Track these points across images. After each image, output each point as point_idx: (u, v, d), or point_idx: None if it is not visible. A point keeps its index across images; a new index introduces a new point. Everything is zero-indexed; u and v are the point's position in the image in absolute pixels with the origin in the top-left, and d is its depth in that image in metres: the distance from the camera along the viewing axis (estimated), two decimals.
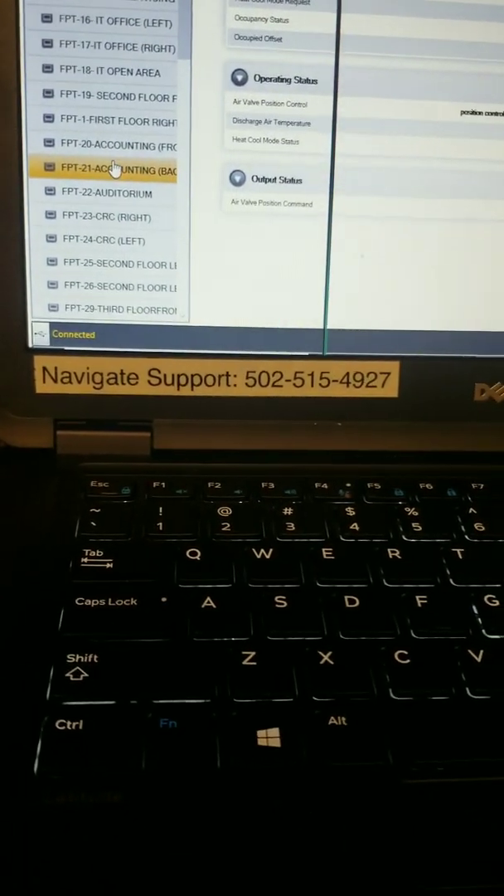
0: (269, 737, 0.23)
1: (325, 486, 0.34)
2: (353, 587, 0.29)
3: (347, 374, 0.35)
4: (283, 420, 0.35)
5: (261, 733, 0.23)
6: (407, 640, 0.27)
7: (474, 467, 0.35)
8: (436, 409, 0.36)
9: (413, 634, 0.27)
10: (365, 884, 0.21)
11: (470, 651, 0.26)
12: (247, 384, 0.35)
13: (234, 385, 0.35)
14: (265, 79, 0.33)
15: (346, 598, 0.28)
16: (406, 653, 0.26)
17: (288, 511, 0.32)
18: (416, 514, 0.33)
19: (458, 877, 0.21)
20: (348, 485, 0.34)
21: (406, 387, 0.36)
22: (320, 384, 0.35)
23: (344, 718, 0.24)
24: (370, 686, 0.25)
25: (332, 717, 0.24)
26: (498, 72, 0.33)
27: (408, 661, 0.26)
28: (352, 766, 0.23)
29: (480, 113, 0.34)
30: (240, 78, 0.33)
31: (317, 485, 0.34)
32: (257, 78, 0.33)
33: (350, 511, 0.32)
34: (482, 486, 0.34)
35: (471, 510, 0.33)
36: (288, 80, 0.33)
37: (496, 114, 0.34)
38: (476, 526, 0.32)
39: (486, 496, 0.34)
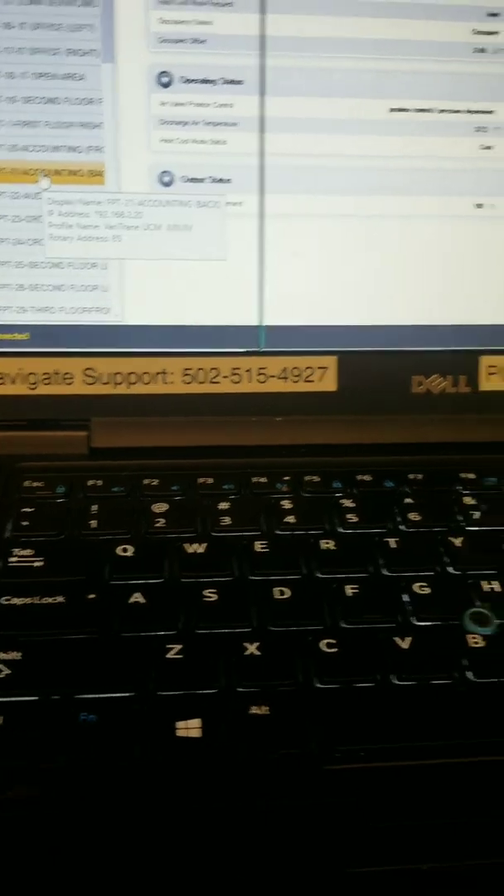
0: (190, 727, 0.24)
1: (263, 480, 0.34)
2: (285, 579, 0.29)
3: (285, 369, 0.36)
4: (221, 416, 0.35)
5: (180, 724, 0.23)
6: (335, 630, 0.27)
7: (413, 458, 0.36)
8: (374, 403, 0.36)
9: (342, 624, 0.27)
10: (290, 870, 0.22)
11: (397, 639, 0.27)
12: (184, 381, 0.35)
13: (171, 382, 0.35)
14: (191, 80, 0.33)
15: (276, 589, 0.28)
16: (333, 642, 0.26)
17: (224, 506, 0.32)
18: (353, 505, 0.33)
19: (383, 858, 0.21)
20: (286, 478, 0.34)
21: (344, 381, 0.36)
22: (258, 380, 0.36)
23: (267, 707, 0.24)
24: (295, 675, 0.25)
25: (254, 707, 0.24)
26: (424, 69, 0.34)
27: (334, 649, 0.26)
28: (272, 753, 0.23)
29: (408, 110, 0.34)
30: (165, 80, 0.33)
31: (255, 479, 0.34)
32: (183, 80, 0.33)
33: (287, 504, 0.33)
34: (420, 476, 0.35)
35: (407, 500, 0.33)
36: (213, 82, 0.33)
37: (424, 110, 0.34)
38: (411, 516, 0.32)
39: (423, 486, 0.34)
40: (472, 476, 0.35)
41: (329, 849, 0.22)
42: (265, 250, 0.35)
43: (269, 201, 0.34)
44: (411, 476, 0.35)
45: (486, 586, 0.29)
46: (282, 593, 0.28)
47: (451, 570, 0.30)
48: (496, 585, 0.29)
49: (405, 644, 0.27)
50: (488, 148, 0.35)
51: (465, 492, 0.34)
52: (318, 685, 0.25)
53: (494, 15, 0.34)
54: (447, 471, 0.35)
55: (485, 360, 0.37)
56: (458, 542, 0.31)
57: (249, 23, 0.33)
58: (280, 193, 0.34)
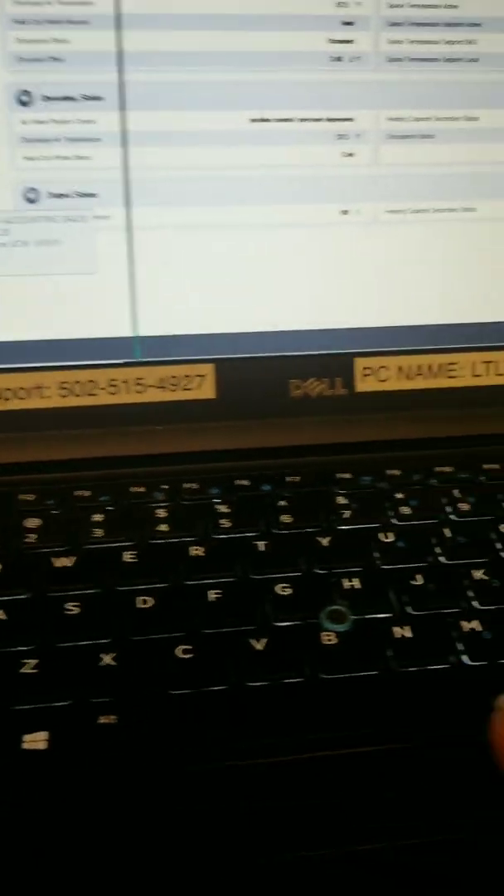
0: (36, 740, 0.24)
1: (140, 489, 0.35)
2: (151, 588, 0.29)
3: (162, 378, 0.36)
4: (100, 428, 0.36)
5: (27, 737, 0.24)
6: (194, 636, 0.28)
7: (293, 461, 0.36)
8: (253, 408, 0.37)
9: (203, 630, 0.28)
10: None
11: (252, 640, 0.27)
12: (60, 395, 0.36)
13: (48, 397, 0.36)
14: (51, 98, 0.33)
15: (139, 599, 0.29)
16: (189, 648, 0.27)
17: (98, 518, 0.33)
18: (228, 510, 0.34)
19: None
20: (164, 487, 0.35)
21: (222, 388, 0.37)
22: (136, 390, 0.36)
23: (115, 717, 0.25)
24: (149, 684, 0.26)
25: (103, 717, 0.25)
26: (283, 79, 0.34)
27: (190, 655, 0.27)
28: (118, 761, 0.23)
29: (269, 120, 0.35)
30: (25, 99, 0.33)
31: (133, 489, 0.35)
32: (43, 98, 0.33)
33: (162, 513, 0.33)
34: (297, 478, 0.36)
35: (281, 503, 0.34)
36: (74, 99, 0.34)
37: (285, 120, 0.35)
38: (283, 518, 0.33)
39: (299, 488, 0.35)
40: (347, 476, 0.36)
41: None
42: (135, 262, 0.35)
43: (136, 214, 0.35)
44: (289, 479, 0.36)
45: (347, 584, 0.30)
46: (144, 602, 0.29)
47: (316, 569, 0.31)
48: (356, 583, 0.30)
49: (260, 646, 0.28)
50: (350, 155, 0.35)
51: (339, 492, 0.35)
52: (172, 692, 0.26)
53: (349, 24, 0.34)
54: (324, 472, 0.36)
55: (359, 362, 0.38)
56: (325, 541, 0.32)
57: (106, 39, 0.33)
58: (146, 206, 0.35)
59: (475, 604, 0.30)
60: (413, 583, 0.30)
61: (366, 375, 0.38)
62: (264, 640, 0.28)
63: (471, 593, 0.30)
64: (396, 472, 0.36)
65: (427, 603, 0.30)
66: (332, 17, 0.34)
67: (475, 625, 0.29)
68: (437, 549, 0.32)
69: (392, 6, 0.34)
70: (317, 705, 0.26)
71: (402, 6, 0.34)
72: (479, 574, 0.31)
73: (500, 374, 0.38)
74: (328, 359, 0.37)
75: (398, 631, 0.28)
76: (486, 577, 0.31)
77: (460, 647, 0.28)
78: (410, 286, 0.37)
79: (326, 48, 0.34)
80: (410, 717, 0.26)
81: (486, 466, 0.37)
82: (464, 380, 0.38)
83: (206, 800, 0.23)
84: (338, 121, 0.35)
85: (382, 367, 0.38)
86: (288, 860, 0.22)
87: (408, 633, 0.28)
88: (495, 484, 0.36)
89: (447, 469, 0.36)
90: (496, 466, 0.37)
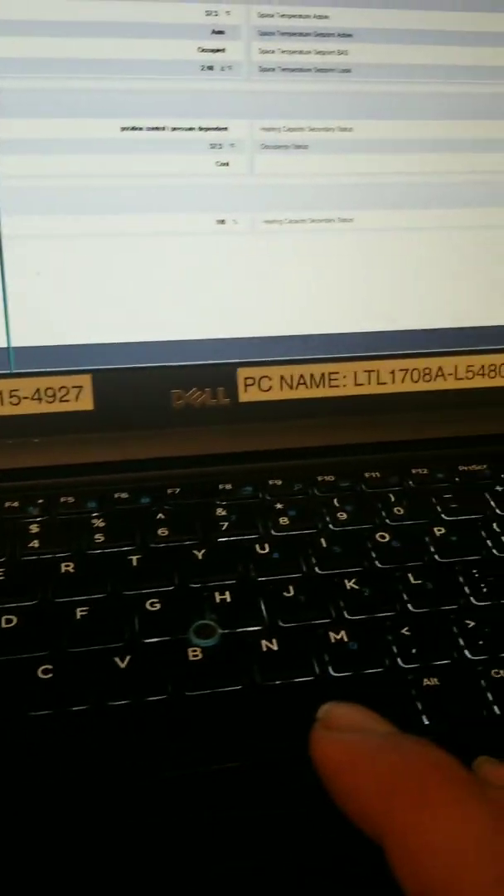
0: None
1: (14, 504, 0.34)
2: (18, 606, 0.29)
3: (38, 390, 0.36)
4: None
5: None
6: (60, 656, 0.27)
7: (175, 472, 0.36)
8: (134, 419, 0.36)
9: (69, 649, 0.27)
10: None
11: (116, 659, 0.27)
12: None
13: None
14: None
15: (4, 618, 0.28)
16: (51, 668, 0.26)
17: None
18: (104, 524, 0.33)
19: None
20: (40, 501, 0.34)
21: (101, 399, 0.36)
22: (10, 402, 0.36)
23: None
24: (10, 705, 0.25)
25: None
26: (154, 87, 0.34)
27: (51, 675, 0.26)
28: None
29: (140, 129, 0.35)
30: None
31: (6, 504, 0.34)
32: None
33: (35, 528, 0.33)
34: (178, 490, 0.35)
35: (159, 516, 0.34)
36: None
37: (156, 129, 0.35)
38: (160, 532, 0.33)
39: (178, 501, 0.35)
40: (229, 487, 0.36)
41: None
42: (6, 272, 0.34)
43: (5, 223, 0.34)
44: (169, 491, 0.35)
45: (219, 597, 0.30)
46: (9, 622, 0.29)
47: (190, 583, 0.31)
48: (228, 596, 0.30)
49: (123, 664, 0.27)
50: (225, 164, 0.35)
51: (219, 503, 0.35)
52: (33, 713, 0.25)
53: (219, 33, 0.34)
54: (206, 483, 0.36)
55: (242, 373, 0.37)
56: (200, 555, 0.32)
57: None
58: (17, 214, 0.34)
59: (345, 614, 0.30)
60: (285, 594, 0.30)
61: (248, 385, 0.38)
62: (129, 658, 0.28)
63: (341, 603, 0.30)
64: (278, 483, 0.36)
65: (297, 614, 0.30)
66: (202, 25, 0.34)
67: (342, 635, 0.29)
68: (312, 560, 0.32)
69: (262, 16, 0.34)
70: (177, 723, 0.25)
71: (272, 16, 0.35)
72: (350, 584, 0.31)
73: (382, 383, 0.39)
74: (210, 369, 0.37)
75: (265, 644, 0.28)
76: (356, 587, 0.31)
77: (326, 658, 0.28)
78: (290, 296, 0.37)
79: (197, 57, 0.34)
80: (270, 731, 0.25)
81: (367, 475, 0.37)
82: (346, 389, 0.38)
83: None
84: (211, 130, 0.35)
85: (265, 376, 0.38)
86: None
87: (274, 646, 0.28)
88: (375, 492, 0.36)
89: (328, 478, 0.37)
90: (376, 475, 0.37)
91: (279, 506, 0.35)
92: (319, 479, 0.37)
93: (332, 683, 0.27)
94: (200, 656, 0.28)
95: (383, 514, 0.35)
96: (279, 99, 0.35)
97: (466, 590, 0.32)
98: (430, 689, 0.28)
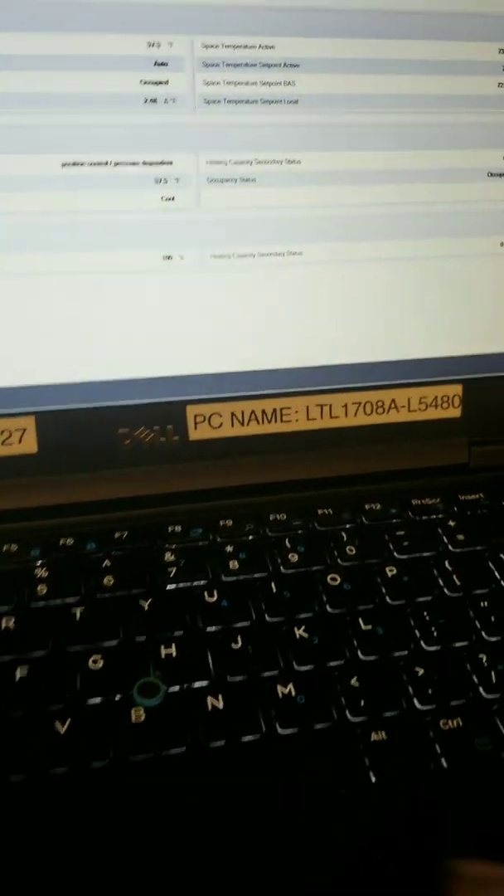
0: None
1: None
2: None
3: None
4: None
5: None
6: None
7: (123, 514, 0.35)
8: (81, 460, 0.35)
9: (7, 713, 0.27)
10: None
11: (57, 723, 0.26)
12: None
13: None
14: None
15: None
16: (72, 720, 0.26)
17: None
18: (47, 574, 0.32)
19: None
20: None
21: (45, 441, 0.35)
22: None
23: None
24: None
25: None
26: (96, 122, 0.33)
27: (67, 729, 0.26)
28: None
29: (83, 164, 0.34)
30: None
31: None
32: None
33: None
34: (125, 534, 0.34)
35: (105, 563, 0.33)
36: None
37: (99, 164, 0.34)
38: (105, 580, 0.32)
39: (126, 546, 0.34)
40: (178, 528, 0.35)
41: None
42: None
43: None
44: (117, 534, 0.35)
45: (164, 652, 0.29)
46: None
47: (135, 637, 0.30)
48: (174, 650, 0.30)
49: (64, 728, 0.27)
50: (170, 199, 0.34)
51: (169, 546, 0.34)
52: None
53: (162, 64, 0.33)
54: (154, 525, 0.35)
55: (192, 410, 0.36)
56: (146, 605, 0.31)
57: None
58: None
59: (294, 664, 0.29)
60: (233, 646, 0.30)
61: (198, 423, 0.37)
62: (70, 722, 0.27)
63: (290, 653, 0.29)
64: (229, 523, 0.35)
65: (244, 667, 0.29)
66: (144, 57, 0.33)
67: (290, 689, 0.29)
68: (262, 606, 0.31)
69: (206, 46, 0.34)
70: (119, 791, 0.25)
71: (216, 47, 0.34)
72: (300, 631, 0.30)
73: (335, 417, 0.38)
74: (159, 407, 0.36)
75: (211, 701, 0.28)
76: (306, 635, 0.30)
77: (273, 713, 0.27)
78: (240, 332, 0.36)
79: (140, 90, 0.33)
80: (215, 796, 0.25)
81: (319, 512, 0.36)
82: (298, 424, 0.38)
83: None
84: (155, 164, 0.34)
85: (215, 413, 0.37)
86: None
87: (220, 703, 0.28)
88: (327, 530, 0.36)
89: (280, 516, 0.36)
90: (329, 511, 0.36)
91: (229, 548, 0.34)
92: (271, 517, 0.36)
93: (278, 741, 0.27)
94: (144, 717, 0.27)
95: (335, 553, 0.34)
96: (225, 131, 0.34)
97: (417, 633, 0.31)
98: (378, 744, 0.27)
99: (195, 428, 0.37)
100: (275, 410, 0.37)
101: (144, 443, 0.36)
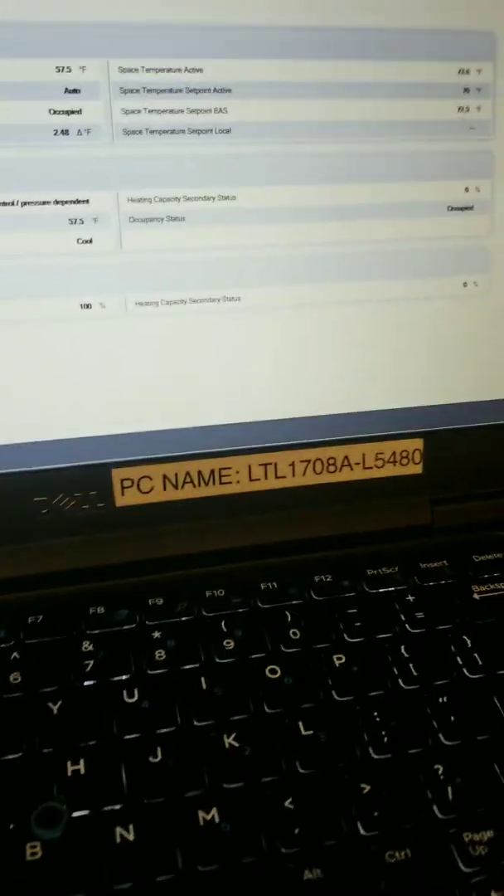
0: None
1: None
2: None
3: None
4: None
5: None
6: None
7: (40, 594, 0.31)
8: None
9: None
10: None
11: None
12: None
13: None
14: None
15: None
16: None
17: None
18: None
19: None
20: None
21: None
22: None
23: None
24: None
25: None
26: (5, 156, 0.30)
27: None
28: None
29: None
30: None
31: None
32: None
33: None
34: (39, 619, 0.30)
35: (14, 655, 0.28)
36: None
37: (4, 204, 0.29)
38: (12, 678, 0.28)
39: (39, 633, 0.29)
40: (101, 610, 0.31)
41: None
42: None
43: None
44: (30, 619, 0.30)
45: (71, 768, 0.25)
46: None
47: (41, 749, 0.26)
48: (82, 766, 0.25)
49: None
50: (87, 241, 0.31)
51: (89, 633, 0.30)
52: None
53: (74, 91, 0.30)
54: (74, 607, 0.31)
55: (118, 474, 0.33)
56: (56, 708, 0.27)
57: None
58: None
59: (222, 782, 0.25)
60: (152, 759, 0.26)
61: (126, 488, 0.33)
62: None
63: (217, 768, 0.25)
64: (159, 602, 0.31)
65: (163, 786, 0.25)
66: (53, 84, 0.29)
67: (214, 814, 0.25)
68: (189, 709, 0.27)
69: (124, 71, 0.30)
70: None
71: (136, 71, 0.30)
72: (230, 740, 0.27)
73: (281, 477, 0.34)
74: (80, 471, 0.32)
75: (120, 832, 0.24)
76: (236, 744, 0.26)
77: (192, 847, 0.23)
78: (171, 385, 0.32)
79: (48, 120, 0.29)
80: None
81: (263, 586, 0.32)
82: (240, 486, 0.34)
83: None
84: (69, 203, 0.30)
85: (145, 477, 0.33)
86: None
87: (131, 834, 0.24)
88: (271, 608, 0.31)
89: (218, 592, 0.32)
90: (273, 585, 0.32)
91: (157, 634, 0.30)
92: (208, 594, 0.32)
93: (199, 880, 0.23)
94: (39, 854, 0.23)
95: (278, 637, 0.30)
96: (148, 165, 0.30)
97: (365, 737, 0.27)
98: (313, 883, 0.23)
99: (122, 493, 0.33)
100: (212, 471, 0.34)
101: (65, 511, 0.32)
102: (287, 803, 0.25)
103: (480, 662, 0.30)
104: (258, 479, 0.34)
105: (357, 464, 0.35)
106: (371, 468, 0.35)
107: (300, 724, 0.27)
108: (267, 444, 0.34)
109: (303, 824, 0.24)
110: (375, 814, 0.25)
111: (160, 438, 0.33)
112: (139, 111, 0.30)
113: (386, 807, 0.25)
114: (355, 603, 0.32)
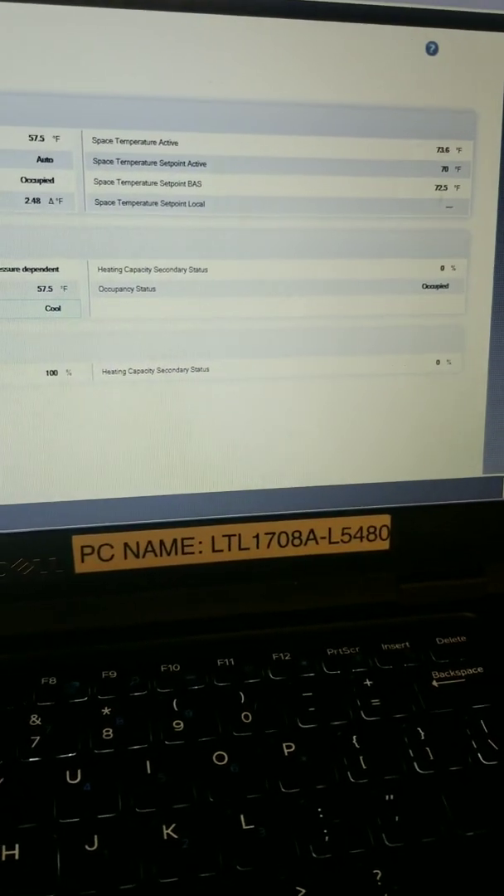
0: None
1: None
2: None
3: None
4: None
5: None
6: None
7: None
8: None
9: None
10: None
11: None
12: None
13: None
14: None
15: None
16: None
17: None
18: None
19: None
20: None
21: None
22: None
23: None
24: None
25: None
26: None
27: None
28: None
29: None
30: None
31: None
32: None
33: None
34: None
35: None
36: None
37: None
38: None
39: None
40: (53, 681, 0.30)
41: None
42: None
43: None
44: None
45: (6, 853, 0.24)
46: None
47: None
48: (17, 851, 0.24)
49: None
50: (56, 309, 0.30)
51: (39, 704, 0.29)
52: None
53: (47, 160, 0.30)
54: (26, 676, 0.30)
55: (78, 541, 0.32)
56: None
57: None
58: None
59: (157, 876, 0.24)
60: (88, 847, 0.25)
61: (86, 555, 0.33)
62: None
63: (153, 863, 0.24)
64: (112, 675, 0.31)
65: (96, 879, 0.24)
66: (26, 152, 0.29)
67: None
68: (129, 798, 0.26)
69: (98, 141, 0.30)
70: None
71: (110, 141, 0.30)
72: (168, 831, 0.26)
73: (244, 549, 0.34)
74: (40, 537, 0.32)
75: None
76: (174, 836, 0.26)
77: None
78: (134, 453, 0.32)
79: (20, 188, 0.29)
80: None
81: (219, 662, 0.32)
82: (202, 556, 0.33)
83: None
84: (38, 271, 0.30)
85: (105, 544, 0.33)
86: None
87: None
88: (225, 687, 0.31)
89: (174, 667, 0.31)
90: (230, 662, 0.32)
91: (106, 710, 0.29)
92: (163, 668, 0.31)
93: None
94: None
95: (229, 719, 0.30)
96: (119, 236, 0.30)
97: (308, 834, 0.26)
98: None
99: (82, 560, 0.33)
100: (175, 541, 0.33)
101: (23, 576, 0.32)
102: None
103: (432, 757, 0.29)
104: (221, 550, 0.34)
105: (323, 538, 0.35)
106: (337, 543, 0.35)
107: (242, 816, 0.27)
108: (231, 515, 0.33)
109: None
110: None
111: (123, 506, 0.32)
112: (112, 182, 0.30)
113: None
114: (312, 685, 0.31)
